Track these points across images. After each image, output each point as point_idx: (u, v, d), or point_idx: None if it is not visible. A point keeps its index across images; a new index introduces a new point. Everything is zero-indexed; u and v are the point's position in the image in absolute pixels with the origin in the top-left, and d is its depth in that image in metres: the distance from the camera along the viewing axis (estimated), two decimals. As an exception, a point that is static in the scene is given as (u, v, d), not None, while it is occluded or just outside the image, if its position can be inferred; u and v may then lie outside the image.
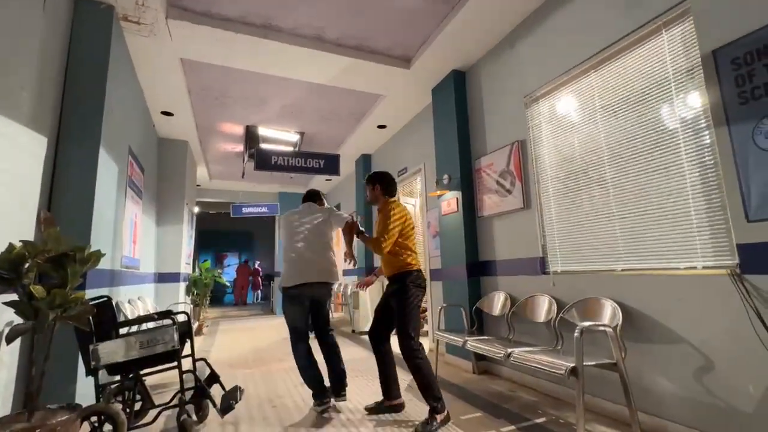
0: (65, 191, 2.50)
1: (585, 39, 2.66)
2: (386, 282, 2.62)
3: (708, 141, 1.98)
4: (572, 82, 2.80)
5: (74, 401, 2.25)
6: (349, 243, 2.67)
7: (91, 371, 2.06)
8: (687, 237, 2.06)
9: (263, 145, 5.78)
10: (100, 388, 2.13)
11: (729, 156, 1.86)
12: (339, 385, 2.70)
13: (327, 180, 8.72)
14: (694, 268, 2.01)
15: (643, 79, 2.31)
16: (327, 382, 2.69)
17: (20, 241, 1.68)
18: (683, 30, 2.11)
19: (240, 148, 6.43)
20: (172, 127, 5.35)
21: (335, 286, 2.69)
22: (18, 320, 1.73)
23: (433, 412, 2.29)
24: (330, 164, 5.30)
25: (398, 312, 2.45)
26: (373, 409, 2.57)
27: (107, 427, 1.98)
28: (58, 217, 2.38)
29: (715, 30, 1.93)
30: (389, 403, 2.56)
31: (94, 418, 1.99)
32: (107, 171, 2.85)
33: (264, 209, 8.85)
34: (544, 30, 3.05)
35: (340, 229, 2.82)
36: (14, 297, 1.67)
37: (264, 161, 5.08)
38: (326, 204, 3.06)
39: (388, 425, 2.35)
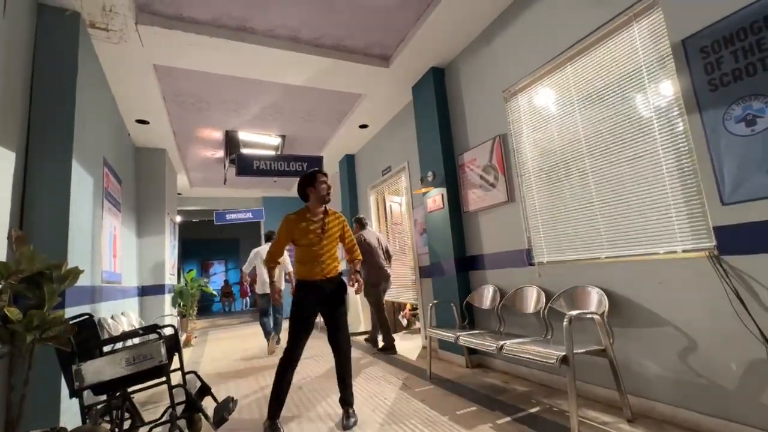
0: (37, 207, 2.40)
1: (559, 33, 2.70)
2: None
3: (681, 128, 2.04)
4: (549, 76, 2.84)
5: (59, 424, 2.17)
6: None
7: (75, 392, 1.99)
8: (666, 222, 2.12)
9: (244, 150, 5.68)
10: (85, 409, 2.06)
11: (702, 142, 1.92)
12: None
13: (311, 182, 8.63)
14: (674, 252, 2.07)
15: (617, 70, 2.36)
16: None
17: (-9, 262, 1.60)
18: (653, 21, 2.16)
19: (220, 153, 6.32)
20: (148, 135, 5.21)
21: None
22: (-7, 345, 1.66)
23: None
24: (313, 166, 5.24)
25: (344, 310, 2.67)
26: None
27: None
28: (31, 235, 2.28)
29: (684, 20, 1.99)
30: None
31: (80, 441, 1.92)
32: (81, 184, 2.75)
33: (249, 215, 8.72)
34: (519, 25, 3.09)
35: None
36: (-12, 321, 1.59)
37: (246, 166, 4.99)
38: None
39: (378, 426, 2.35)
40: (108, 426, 2.08)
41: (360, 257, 2.87)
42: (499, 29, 3.30)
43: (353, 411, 2.50)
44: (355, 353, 4.55)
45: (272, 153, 5.92)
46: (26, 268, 1.66)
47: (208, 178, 7.74)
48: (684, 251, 2.02)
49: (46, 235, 2.38)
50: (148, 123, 4.81)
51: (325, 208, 2.69)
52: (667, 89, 2.10)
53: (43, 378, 2.19)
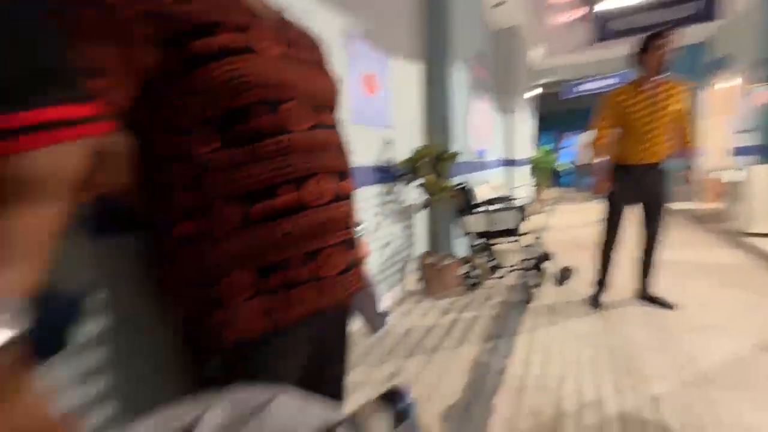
0: (437, 108, 3.30)
1: None
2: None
3: None
4: None
5: (453, 252, 3.32)
6: None
7: (464, 234, 2.95)
8: None
9: (599, 7, 4.77)
10: (471, 246, 3.02)
11: None
12: None
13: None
14: None
15: None
16: None
17: (414, 149, 2.57)
18: None
19: (581, 12, 5.63)
20: (503, 16, 5.41)
21: None
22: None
23: None
24: (706, 5, 3.72)
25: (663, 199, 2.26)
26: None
27: (475, 272, 2.87)
28: (431, 128, 3.26)
29: None
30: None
31: (466, 265, 2.91)
32: (458, 83, 3.47)
33: (610, 81, 7.59)
34: None
35: None
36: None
37: (605, 29, 4.28)
38: None
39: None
40: (484, 260, 2.98)
41: (694, 145, 2.20)
42: None
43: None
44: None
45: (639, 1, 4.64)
46: (430, 152, 2.54)
47: (563, 45, 7.22)
48: None
49: (439, 128, 3.31)
50: (503, 3, 4.95)
51: (664, 78, 2.13)
52: None
53: (447, 223, 3.34)
